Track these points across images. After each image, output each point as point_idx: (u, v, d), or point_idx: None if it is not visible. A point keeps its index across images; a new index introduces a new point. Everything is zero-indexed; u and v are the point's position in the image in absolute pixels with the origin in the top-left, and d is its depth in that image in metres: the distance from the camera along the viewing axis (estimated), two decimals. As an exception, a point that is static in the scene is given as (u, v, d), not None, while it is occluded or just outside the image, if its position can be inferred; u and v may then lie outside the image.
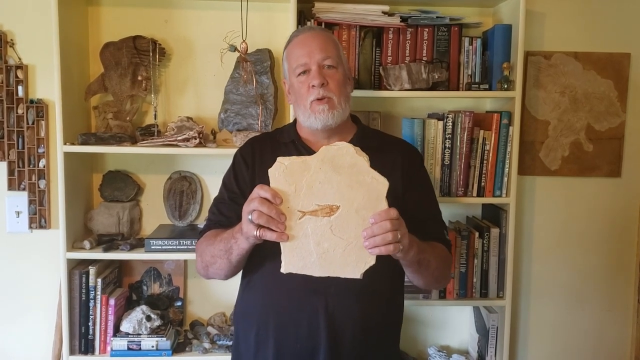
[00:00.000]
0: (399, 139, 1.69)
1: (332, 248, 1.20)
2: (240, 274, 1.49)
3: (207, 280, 2.17)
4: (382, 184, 1.19)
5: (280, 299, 1.38)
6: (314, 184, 1.20)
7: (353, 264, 1.20)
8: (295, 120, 1.57)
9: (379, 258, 1.19)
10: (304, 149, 1.49)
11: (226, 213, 1.48)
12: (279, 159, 1.22)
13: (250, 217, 1.20)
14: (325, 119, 1.43)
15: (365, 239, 1.17)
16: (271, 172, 1.21)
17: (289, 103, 1.60)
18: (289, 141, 1.52)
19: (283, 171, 1.20)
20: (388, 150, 1.52)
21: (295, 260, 1.21)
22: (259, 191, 1.21)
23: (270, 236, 1.20)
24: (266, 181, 1.22)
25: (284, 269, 1.22)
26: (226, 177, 1.55)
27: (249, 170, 1.50)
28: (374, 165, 1.22)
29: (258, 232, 1.20)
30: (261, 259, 1.38)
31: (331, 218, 1.19)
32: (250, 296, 1.46)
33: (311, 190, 1.20)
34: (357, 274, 1.20)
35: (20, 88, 2.08)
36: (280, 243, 1.21)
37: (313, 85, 1.43)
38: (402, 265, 1.34)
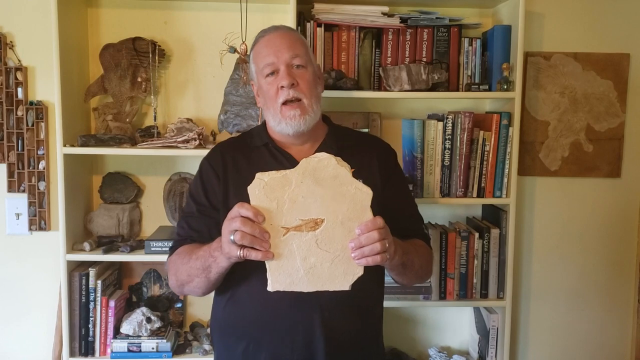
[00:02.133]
0: (372, 136, 1.65)
1: (319, 262, 1.18)
2: None
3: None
4: (366, 194, 1.17)
5: (272, 312, 1.33)
6: (297, 199, 1.16)
7: (341, 276, 1.18)
8: (264, 123, 1.51)
9: (365, 267, 1.18)
10: (278, 152, 1.43)
11: (196, 227, 1.42)
12: (257, 175, 1.17)
13: (232, 237, 1.15)
14: (297, 125, 1.38)
15: (352, 250, 1.16)
16: (251, 189, 1.17)
17: (257, 106, 1.53)
18: (261, 145, 1.46)
19: (263, 187, 1.17)
20: (363, 149, 1.48)
21: (282, 278, 1.18)
22: (239, 210, 1.16)
23: (255, 256, 1.16)
24: (243, 192, 1.18)
25: (270, 287, 1.19)
26: (193, 188, 1.48)
27: (220, 181, 1.42)
28: (350, 163, 1.19)
29: (241, 252, 1.16)
30: (245, 272, 1.32)
31: (316, 232, 1.17)
32: (236, 310, 1.39)
33: (294, 205, 1.16)
34: (345, 286, 1.19)
35: (19, 90, 2.07)
36: (266, 262, 1.17)
37: (282, 86, 1.37)
38: (385, 269, 1.32)
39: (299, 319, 1.33)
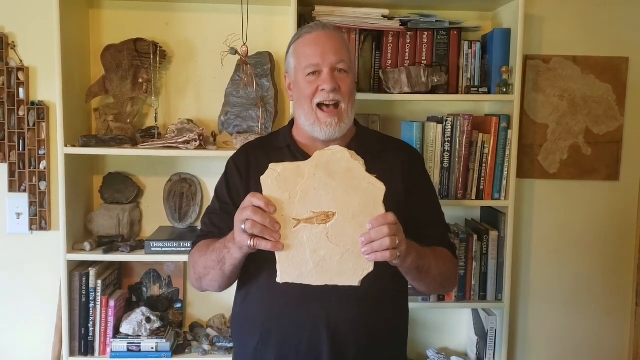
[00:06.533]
0: (400, 140, 1.64)
1: (328, 256, 1.16)
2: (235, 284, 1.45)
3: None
4: (379, 189, 1.15)
5: (280, 310, 1.33)
6: (309, 191, 1.15)
7: (351, 271, 1.16)
8: (290, 123, 1.51)
9: (378, 264, 1.15)
10: (299, 154, 1.41)
11: (217, 224, 1.43)
12: (271, 165, 1.17)
13: (243, 226, 1.15)
14: (332, 133, 1.38)
15: (362, 244, 1.13)
16: (263, 179, 1.16)
17: (289, 99, 1.53)
18: (284, 146, 1.46)
19: (276, 178, 1.16)
20: (388, 153, 1.47)
21: (291, 269, 1.17)
22: (251, 199, 1.16)
23: (264, 246, 1.15)
24: (261, 189, 1.18)
25: (279, 279, 1.18)
26: (218, 186, 1.49)
27: (242, 180, 1.43)
28: (373, 168, 1.18)
29: (252, 241, 1.15)
30: (257, 268, 1.33)
31: (327, 225, 1.15)
32: (250, 307, 1.40)
33: (306, 197, 1.15)
34: (355, 282, 1.17)
35: (21, 90, 2.08)
36: (276, 252, 1.17)
37: (323, 89, 1.37)
38: (401, 272, 1.30)
39: (304, 321, 1.32)
